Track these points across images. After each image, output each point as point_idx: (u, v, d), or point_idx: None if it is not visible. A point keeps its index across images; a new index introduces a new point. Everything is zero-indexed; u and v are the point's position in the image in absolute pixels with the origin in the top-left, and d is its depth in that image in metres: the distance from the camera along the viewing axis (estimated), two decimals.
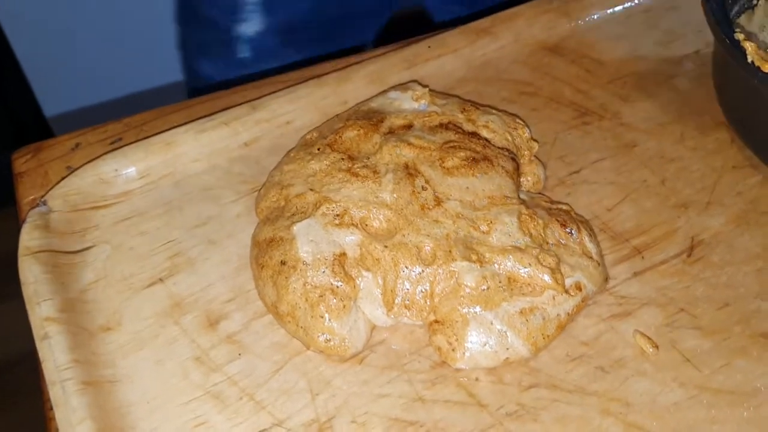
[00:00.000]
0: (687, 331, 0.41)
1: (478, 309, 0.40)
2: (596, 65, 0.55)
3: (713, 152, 0.49)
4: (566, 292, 0.41)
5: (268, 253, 0.43)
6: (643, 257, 0.44)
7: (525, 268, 0.40)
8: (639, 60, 0.56)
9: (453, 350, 0.40)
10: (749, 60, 0.41)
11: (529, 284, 0.40)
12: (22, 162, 0.52)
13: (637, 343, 0.40)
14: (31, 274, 0.43)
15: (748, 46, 0.42)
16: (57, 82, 0.99)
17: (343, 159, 0.46)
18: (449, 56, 0.55)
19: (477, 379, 0.39)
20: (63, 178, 0.48)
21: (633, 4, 0.59)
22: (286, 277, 0.41)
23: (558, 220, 0.43)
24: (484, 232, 0.42)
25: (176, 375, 0.40)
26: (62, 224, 0.46)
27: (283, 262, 0.42)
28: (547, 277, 0.40)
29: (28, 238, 0.44)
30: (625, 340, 0.41)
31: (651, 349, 0.40)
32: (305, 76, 0.56)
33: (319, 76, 0.53)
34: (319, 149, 0.47)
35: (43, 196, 0.47)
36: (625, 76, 0.55)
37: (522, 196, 0.45)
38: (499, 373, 0.40)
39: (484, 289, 0.40)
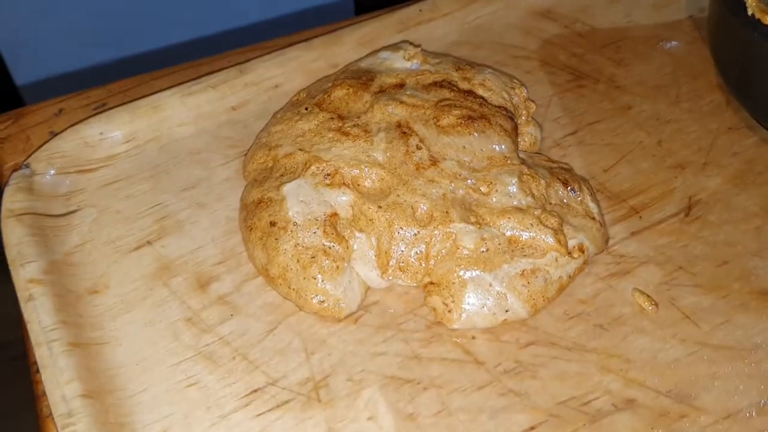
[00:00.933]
0: (686, 289, 0.40)
1: (476, 271, 0.39)
2: (589, 30, 0.55)
3: (708, 114, 0.49)
4: (569, 253, 0.40)
5: (256, 214, 0.41)
6: (640, 217, 0.43)
7: (527, 229, 0.40)
8: (632, 24, 0.55)
9: (449, 311, 0.39)
10: (749, 13, 0.41)
11: (531, 245, 0.40)
12: (2, 128, 0.51)
13: (636, 301, 0.40)
14: (14, 236, 0.41)
15: None
16: (27, 49, 0.95)
17: (332, 118, 0.44)
18: (441, 20, 0.54)
19: (473, 338, 0.38)
20: (46, 142, 0.47)
21: None
22: (276, 239, 0.40)
23: (560, 179, 0.42)
24: (483, 193, 0.41)
25: (166, 336, 0.39)
26: (46, 187, 0.45)
27: (272, 224, 0.40)
28: (550, 238, 0.39)
29: (11, 200, 0.43)
30: (624, 298, 0.40)
31: (650, 307, 0.39)
32: (293, 40, 0.54)
33: (307, 39, 0.52)
34: (307, 109, 0.46)
35: (25, 160, 0.46)
36: (618, 40, 0.54)
37: (521, 155, 0.44)
38: (496, 332, 0.39)
39: (483, 251, 0.39)
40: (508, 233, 0.40)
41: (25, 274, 0.40)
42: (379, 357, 0.38)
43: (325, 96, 0.46)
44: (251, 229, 0.41)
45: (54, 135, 0.48)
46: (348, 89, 0.46)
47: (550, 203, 0.41)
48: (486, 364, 0.37)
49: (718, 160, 0.46)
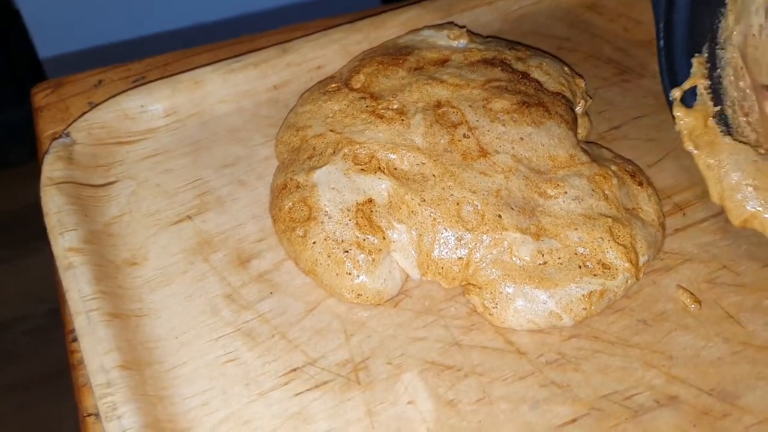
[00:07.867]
0: (730, 288, 0.40)
1: (529, 287, 0.37)
2: (635, 24, 0.54)
3: None
4: (637, 275, 0.38)
5: (277, 204, 0.40)
6: (684, 214, 0.43)
7: (596, 244, 0.37)
8: None
9: (490, 315, 0.37)
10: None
11: (599, 261, 0.37)
12: (41, 96, 0.50)
13: (679, 298, 0.39)
14: (53, 204, 0.41)
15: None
16: (56, 22, 0.94)
17: (363, 98, 0.41)
18: (485, 7, 0.54)
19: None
20: (86, 112, 0.46)
21: None
22: (304, 231, 0.38)
23: (628, 171, 0.40)
24: (550, 197, 0.38)
25: (206, 311, 0.38)
26: (86, 157, 0.44)
27: (295, 213, 0.39)
28: (622, 259, 0.37)
29: (51, 168, 0.43)
30: (667, 294, 0.39)
31: (693, 305, 0.39)
32: (337, 22, 0.54)
33: (351, 21, 0.52)
34: (335, 87, 0.44)
35: (65, 129, 0.45)
36: None
37: (582, 146, 0.41)
38: None
39: (540, 264, 0.37)
40: (573, 247, 0.37)
41: (64, 243, 0.39)
42: (419, 342, 0.37)
43: (353, 74, 0.44)
44: (275, 220, 0.40)
45: (93, 106, 0.48)
46: (377, 66, 0.43)
47: (626, 208, 0.38)
48: (528, 355, 0.37)
49: None
